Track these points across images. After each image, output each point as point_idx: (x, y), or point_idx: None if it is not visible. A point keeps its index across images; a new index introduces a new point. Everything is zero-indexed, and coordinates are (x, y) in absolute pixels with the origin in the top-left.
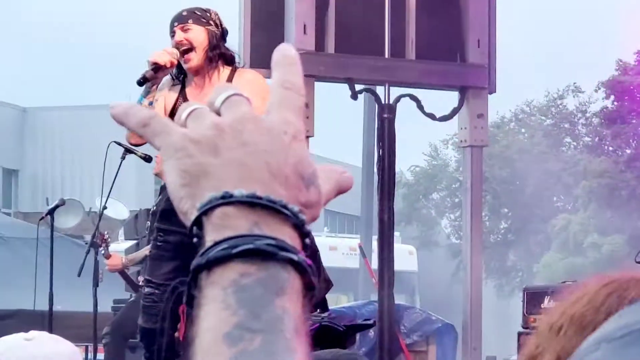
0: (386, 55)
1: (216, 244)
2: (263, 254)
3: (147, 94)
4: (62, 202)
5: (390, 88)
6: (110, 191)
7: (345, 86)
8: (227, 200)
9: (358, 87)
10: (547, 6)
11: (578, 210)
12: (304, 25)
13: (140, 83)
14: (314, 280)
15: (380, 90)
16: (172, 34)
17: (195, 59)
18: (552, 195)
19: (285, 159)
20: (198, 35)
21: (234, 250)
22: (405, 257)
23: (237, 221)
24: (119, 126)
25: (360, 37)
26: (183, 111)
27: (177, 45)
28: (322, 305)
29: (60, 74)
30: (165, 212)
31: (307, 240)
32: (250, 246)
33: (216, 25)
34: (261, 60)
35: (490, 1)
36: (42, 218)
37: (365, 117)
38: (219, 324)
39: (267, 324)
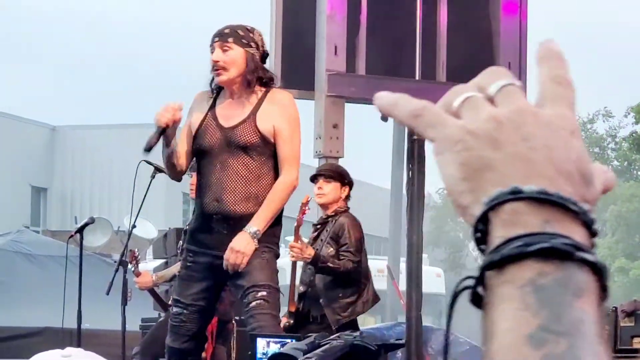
0: (417, 77)
1: (508, 240)
2: (559, 253)
3: (167, 145)
4: (92, 221)
5: None
6: (139, 210)
7: (375, 108)
8: (516, 195)
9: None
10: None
11: (606, 234)
12: (335, 47)
13: (148, 150)
14: (608, 283)
15: None
16: (212, 49)
17: (225, 76)
18: None
19: (567, 155)
20: (236, 57)
21: (530, 248)
22: (433, 279)
23: (528, 218)
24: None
25: (391, 58)
26: (455, 97)
27: (213, 64)
28: (353, 325)
29: (90, 94)
30: (194, 233)
31: (595, 240)
32: (546, 245)
33: (257, 47)
34: (291, 80)
35: (521, 24)
36: (72, 236)
37: (394, 138)
38: (519, 325)
39: (570, 326)
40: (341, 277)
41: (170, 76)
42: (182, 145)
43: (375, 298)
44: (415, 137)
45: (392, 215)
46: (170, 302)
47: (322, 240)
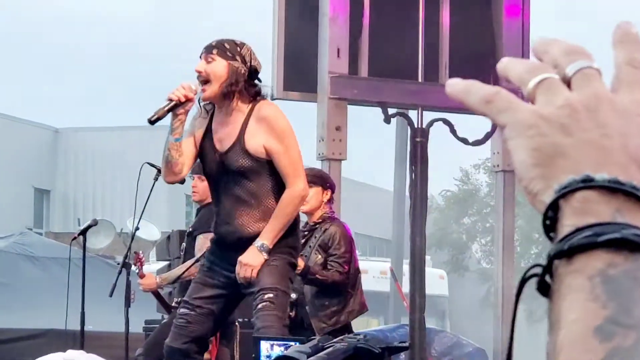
0: (419, 80)
1: (578, 230)
2: (630, 244)
3: (172, 130)
4: (95, 223)
5: (423, 112)
6: (142, 212)
7: (378, 110)
8: (587, 184)
9: (391, 110)
10: (579, 31)
11: None
12: (338, 49)
13: (152, 122)
14: None
15: (413, 114)
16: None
17: (208, 90)
18: None
19: None
20: (218, 68)
21: (600, 239)
22: (435, 281)
23: (599, 207)
24: (151, 147)
25: (393, 61)
26: (531, 77)
27: (197, 75)
28: (341, 333)
29: (93, 96)
30: (215, 245)
31: None
32: (618, 235)
33: (243, 61)
34: (294, 83)
35: (524, 26)
36: (75, 238)
37: (397, 140)
38: (587, 316)
39: (639, 320)
40: (329, 287)
41: (175, 79)
42: (186, 144)
43: (362, 308)
44: (418, 139)
45: (395, 217)
46: (174, 304)
47: (310, 247)
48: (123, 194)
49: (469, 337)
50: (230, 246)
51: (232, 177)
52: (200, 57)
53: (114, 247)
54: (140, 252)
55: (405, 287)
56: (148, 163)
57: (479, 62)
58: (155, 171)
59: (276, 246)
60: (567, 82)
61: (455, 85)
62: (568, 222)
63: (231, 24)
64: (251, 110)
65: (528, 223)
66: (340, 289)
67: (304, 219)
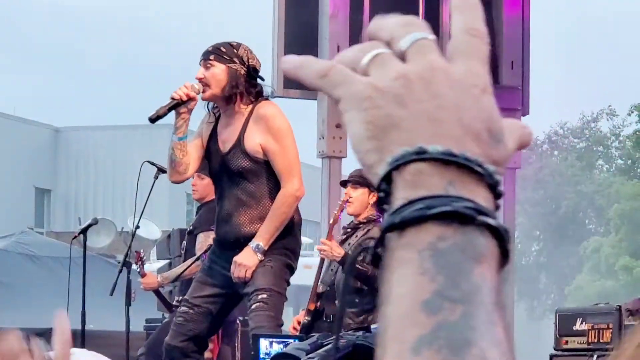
0: None
1: (410, 202)
2: (460, 217)
3: (175, 129)
4: (95, 222)
5: None
6: (142, 211)
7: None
8: (420, 156)
9: None
10: (581, 29)
11: (610, 232)
12: (338, 46)
13: (153, 120)
14: (510, 248)
15: None
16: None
17: (207, 93)
18: (584, 218)
19: (476, 113)
20: (217, 73)
21: (430, 212)
22: None
23: (432, 179)
24: (151, 146)
25: None
26: (363, 55)
27: (197, 82)
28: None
29: (93, 95)
30: (216, 244)
31: (500, 202)
32: (448, 208)
33: (242, 62)
34: (294, 81)
35: (524, 24)
36: (75, 237)
37: None
38: (416, 290)
39: (467, 293)
40: (365, 282)
41: (176, 78)
42: (192, 146)
43: None
44: None
45: None
46: (175, 303)
47: (349, 244)
48: (124, 192)
49: None
50: (229, 246)
51: (232, 178)
52: (200, 64)
53: (114, 246)
54: (141, 251)
55: None
56: (148, 161)
57: None
58: (155, 170)
59: (272, 247)
60: (402, 56)
61: (289, 62)
62: (400, 195)
63: (231, 23)
64: (252, 111)
65: (529, 220)
66: (375, 287)
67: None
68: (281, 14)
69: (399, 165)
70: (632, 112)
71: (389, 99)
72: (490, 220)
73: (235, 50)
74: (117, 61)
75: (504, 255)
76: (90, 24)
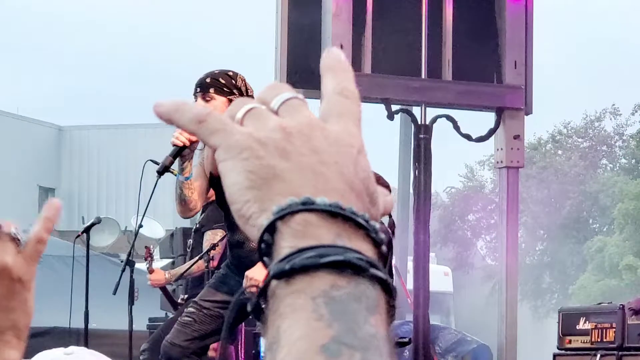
0: (423, 76)
1: (300, 250)
2: (353, 267)
3: (181, 170)
4: (98, 221)
5: (427, 109)
6: (146, 210)
7: (382, 106)
8: (308, 206)
9: (394, 107)
10: (585, 27)
11: (614, 232)
12: (341, 46)
13: (160, 173)
14: (396, 303)
15: (416, 110)
16: (195, 98)
17: None
18: (588, 217)
19: (355, 172)
20: (218, 106)
21: (323, 260)
22: (440, 278)
23: (319, 230)
24: (155, 145)
25: (397, 57)
26: (238, 109)
27: None
28: None
29: (97, 93)
30: (236, 266)
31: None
32: (341, 258)
33: (240, 93)
34: (297, 80)
35: (527, 22)
36: (78, 236)
37: (401, 137)
38: (313, 335)
39: (364, 341)
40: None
41: (178, 77)
42: (196, 179)
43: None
44: (422, 135)
45: (399, 214)
46: (180, 301)
47: None
48: (127, 191)
49: (474, 333)
50: (243, 256)
51: None
52: (195, 95)
53: (118, 245)
54: (151, 246)
55: (410, 284)
56: (151, 160)
57: (482, 59)
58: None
59: None
60: (275, 114)
61: (163, 106)
62: (287, 244)
63: (234, 23)
64: None
65: (533, 219)
66: None
67: None
68: (284, 14)
69: (284, 215)
70: (636, 111)
71: (270, 150)
72: (380, 274)
73: (233, 82)
74: (121, 60)
75: (390, 309)
76: (94, 24)
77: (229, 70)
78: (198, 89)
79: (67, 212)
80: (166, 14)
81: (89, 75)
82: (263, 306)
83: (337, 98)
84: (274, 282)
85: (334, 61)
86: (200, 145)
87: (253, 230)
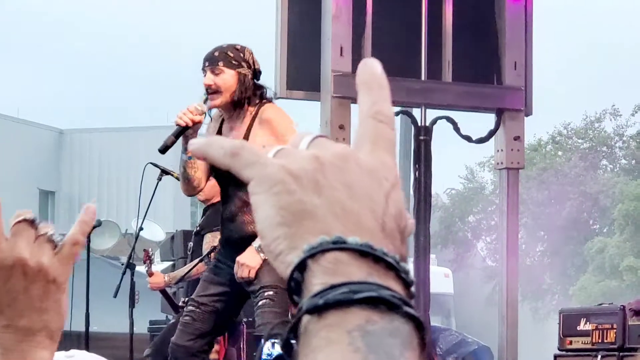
0: (422, 78)
1: (333, 287)
2: (387, 304)
3: (185, 150)
4: (99, 224)
5: (427, 110)
6: (146, 213)
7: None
8: (339, 245)
9: (394, 109)
10: (585, 29)
11: (614, 233)
12: (341, 47)
13: (162, 151)
14: (428, 342)
15: (416, 112)
16: (204, 73)
17: (218, 100)
18: (588, 218)
19: (387, 208)
20: (228, 79)
21: (357, 296)
22: (441, 279)
23: (350, 268)
24: (155, 148)
25: (396, 59)
26: (269, 151)
27: (206, 88)
28: None
29: (97, 97)
30: (223, 245)
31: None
32: (375, 294)
33: (248, 66)
34: (297, 82)
35: (527, 23)
36: None
37: (401, 139)
38: None
39: None
40: None
41: (178, 79)
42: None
43: None
44: (422, 137)
45: None
46: (181, 304)
47: None
48: (128, 194)
49: (475, 335)
50: (234, 245)
51: (237, 180)
52: (204, 69)
53: (118, 247)
54: (150, 249)
55: None
56: (151, 163)
57: (482, 60)
58: (158, 171)
59: None
60: None
61: (195, 144)
62: (318, 281)
63: (234, 23)
64: (256, 113)
65: (532, 221)
66: None
67: None
68: (284, 15)
69: (315, 253)
70: (636, 112)
71: (303, 185)
72: (413, 312)
73: (242, 55)
74: (122, 63)
75: (422, 347)
76: (96, 26)
77: (237, 44)
78: (207, 63)
79: (67, 216)
80: (166, 16)
81: (89, 78)
82: (293, 342)
83: (371, 123)
84: (305, 318)
85: (370, 75)
86: (206, 121)
87: (281, 266)
